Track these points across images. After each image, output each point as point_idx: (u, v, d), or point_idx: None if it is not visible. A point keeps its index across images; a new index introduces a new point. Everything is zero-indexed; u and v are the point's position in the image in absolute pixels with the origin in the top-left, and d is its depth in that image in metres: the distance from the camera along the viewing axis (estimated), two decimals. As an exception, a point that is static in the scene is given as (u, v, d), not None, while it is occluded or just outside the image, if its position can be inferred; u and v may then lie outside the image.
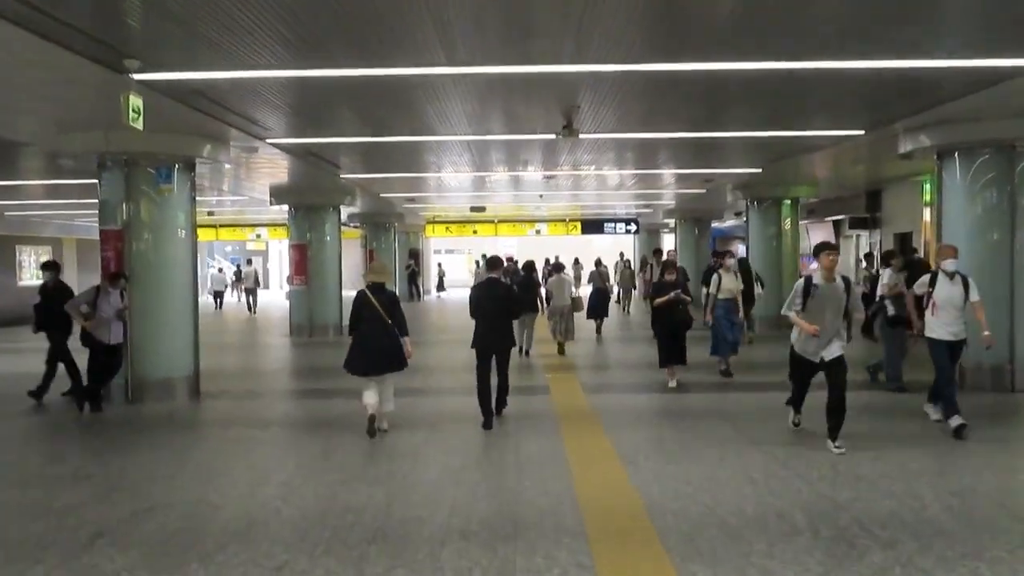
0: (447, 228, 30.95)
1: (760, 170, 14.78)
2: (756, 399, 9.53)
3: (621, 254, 25.67)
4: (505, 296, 8.37)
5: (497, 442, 7.70)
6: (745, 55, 6.80)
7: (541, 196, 19.96)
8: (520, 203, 23.31)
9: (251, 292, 27.79)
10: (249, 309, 27.35)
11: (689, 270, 22.27)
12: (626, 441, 7.52)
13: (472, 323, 8.45)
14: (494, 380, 8.45)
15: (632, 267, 26.76)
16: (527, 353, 13.64)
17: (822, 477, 6.23)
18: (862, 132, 10.55)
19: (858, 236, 22.18)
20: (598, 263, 22.64)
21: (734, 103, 9.28)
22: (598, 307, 17.21)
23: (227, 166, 10.45)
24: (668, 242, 38.05)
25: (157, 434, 8.47)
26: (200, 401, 10.20)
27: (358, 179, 15.56)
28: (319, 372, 12.84)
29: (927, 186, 17.12)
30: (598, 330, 17.29)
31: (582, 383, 10.94)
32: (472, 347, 8.36)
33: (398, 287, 32.30)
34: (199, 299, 10.96)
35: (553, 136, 9.88)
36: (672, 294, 10.28)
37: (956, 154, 10.17)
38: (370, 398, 7.77)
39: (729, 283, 11.60)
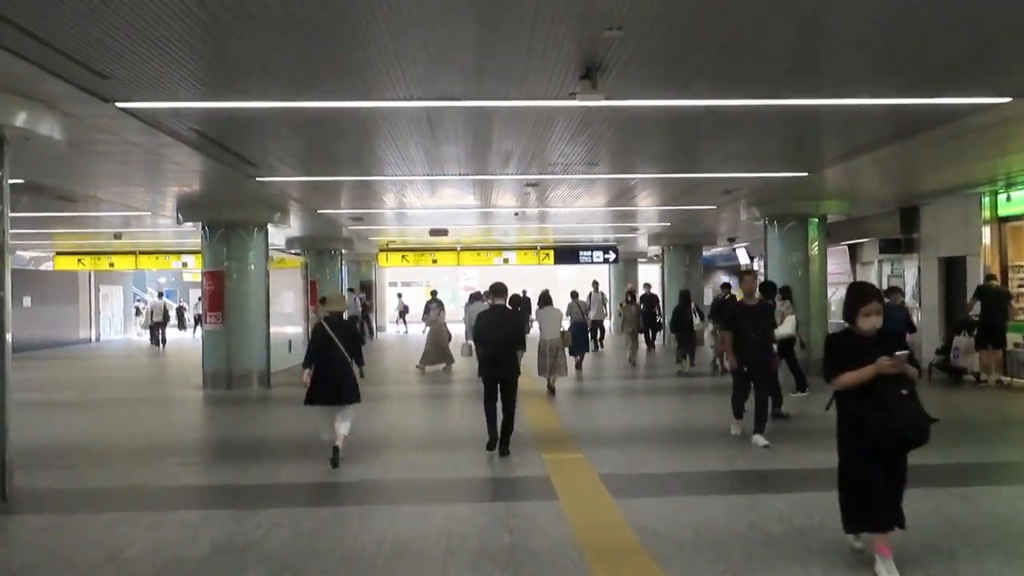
0: (403, 257, 27.33)
1: (806, 174, 11.56)
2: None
3: (595, 283, 22.27)
4: (512, 324, 8.32)
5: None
6: None
7: (516, 215, 16.56)
8: (488, 224, 19.87)
9: (157, 328, 26.42)
10: (157, 344, 26.53)
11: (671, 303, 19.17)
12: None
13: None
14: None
15: (606, 299, 23.28)
16: None
17: None
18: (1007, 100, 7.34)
19: (881, 263, 19.16)
20: (574, 295, 19.53)
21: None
22: (580, 342, 16.08)
23: (56, 139, 6.81)
24: (645, 274, 35.10)
25: None
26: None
27: (279, 182, 11.91)
28: (235, 451, 9.16)
29: (986, 200, 14.14)
30: (578, 366, 15.83)
31: (599, 472, 7.42)
32: (479, 375, 8.49)
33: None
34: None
35: (568, 102, 6.71)
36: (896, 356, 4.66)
37: None
38: (328, 431, 7.78)
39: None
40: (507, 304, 8.71)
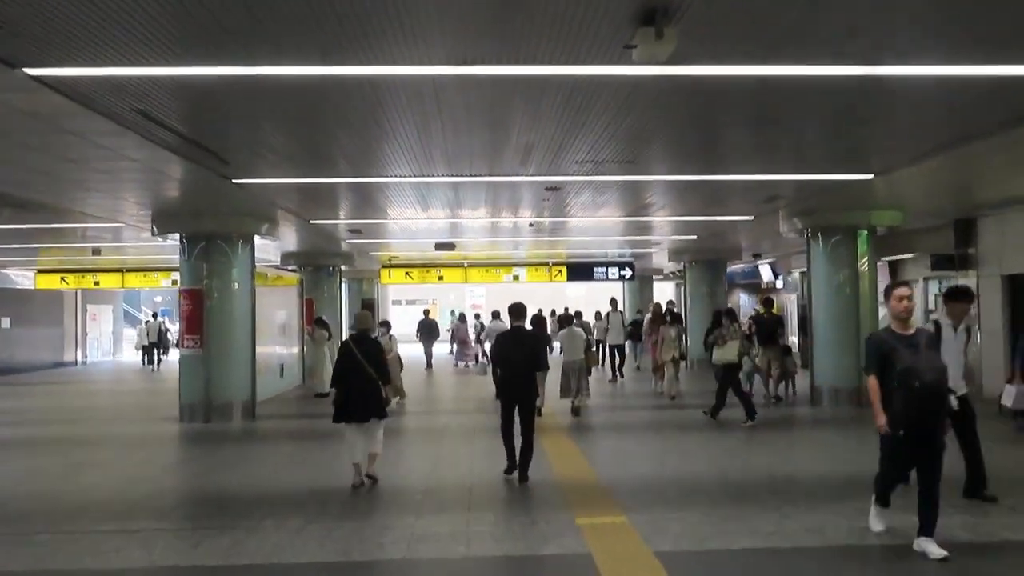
0: (406, 274, 25.72)
1: (871, 176, 9.93)
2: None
3: (613, 301, 20.15)
4: (531, 345, 8.18)
5: None
6: None
7: (532, 226, 14.93)
8: (497, 238, 18.23)
9: (150, 349, 25.84)
10: (151, 364, 25.87)
11: (699, 324, 17.50)
12: None
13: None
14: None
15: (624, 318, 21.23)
16: (539, 412, 10.92)
17: None
18: None
19: (928, 280, 17.49)
20: (578, 315, 18.02)
21: None
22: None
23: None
24: (660, 292, 33.42)
25: None
26: None
27: (260, 185, 10.28)
28: (200, 509, 7.50)
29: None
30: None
31: (654, 549, 5.74)
32: (496, 397, 8.76)
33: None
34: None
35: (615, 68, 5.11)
36: None
37: None
38: (359, 451, 7.80)
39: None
40: (526, 325, 8.61)
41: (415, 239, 17.61)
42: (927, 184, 11.36)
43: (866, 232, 13.51)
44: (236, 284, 13.11)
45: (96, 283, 25.73)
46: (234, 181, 9.51)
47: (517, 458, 8.01)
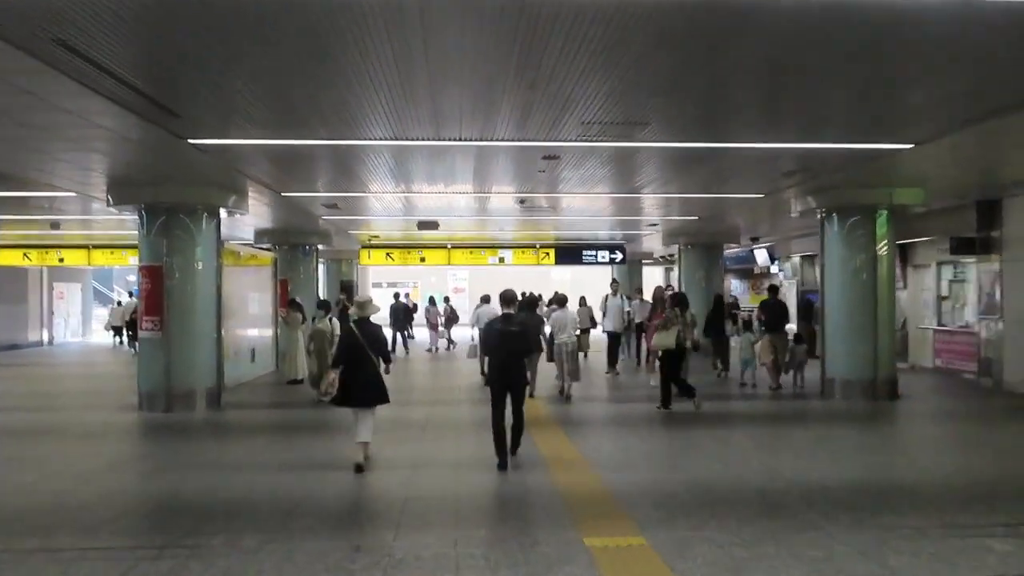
0: (387, 255, 24.57)
1: (912, 146, 8.90)
2: None
3: (615, 283, 18.72)
4: (520, 331, 8.04)
5: None
6: None
7: (523, 202, 13.82)
8: (484, 217, 17.10)
9: (122, 330, 24.29)
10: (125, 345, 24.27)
11: (701, 308, 16.50)
12: None
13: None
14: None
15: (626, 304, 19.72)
16: (531, 394, 11.75)
17: None
18: None
19: (941, 266, 16.58)
20: (582, 302, 17.00)
21: None
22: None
23: None
24: (651, 277, 32.43)
25: None
26: None
27: (219, 147, 9.05)
28: (160, 524, 6.39)
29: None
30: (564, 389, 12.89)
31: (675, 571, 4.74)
32: (486, 384, 8.54)
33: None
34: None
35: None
36: None
37: None
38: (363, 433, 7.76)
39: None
40: (516, 311, 8.58)
41: (396, 216, 16.47)
42: (955, 159, 10.39)
43: (886, 212, 12.51)
44: (200, 262, 11.93)
45: (61, 260, 24.38)
46: (190, 141, 8.33)
47: (508, 453, 7.78)
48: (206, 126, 7.92)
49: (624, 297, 18.14)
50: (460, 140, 8.55)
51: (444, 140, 8.55)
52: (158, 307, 11.68)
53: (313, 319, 13.89)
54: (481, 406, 9.62)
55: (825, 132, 8.51)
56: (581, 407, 11.85)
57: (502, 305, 8.31)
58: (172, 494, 7.07)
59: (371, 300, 8.32)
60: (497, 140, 8.57)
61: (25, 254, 24.05)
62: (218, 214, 12.23)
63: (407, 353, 21.64)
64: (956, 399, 12.91)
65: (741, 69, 6.32)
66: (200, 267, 11.93)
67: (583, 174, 10.95)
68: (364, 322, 8.00)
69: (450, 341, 24.03)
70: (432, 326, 23.49)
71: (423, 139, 8.52)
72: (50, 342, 27.89)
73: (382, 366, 7.89)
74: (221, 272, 12.39)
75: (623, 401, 13.05)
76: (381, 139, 8.50)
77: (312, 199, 13.83)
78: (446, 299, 25.56)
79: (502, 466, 7.63)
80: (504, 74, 6.18)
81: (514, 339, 7.90)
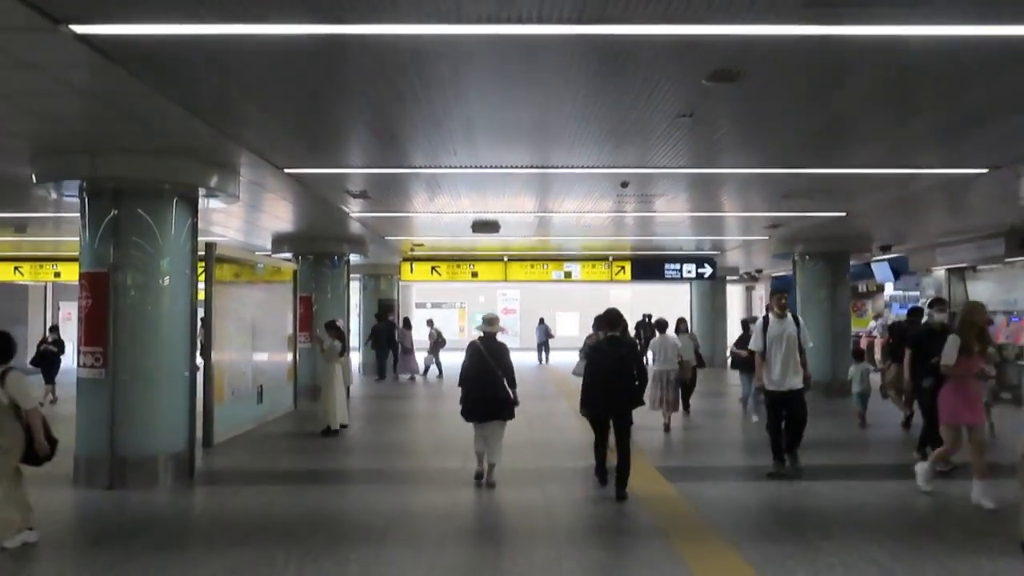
0: (433, 269, 20.78)
1: None
2: None
3: (681, 322, 13.84)
4: (630, 356, 7.60)
5: None
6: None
7: (624, 185, 9.79)
8: (546, 214, 13.12)
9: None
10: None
11: (823, 334, 12.22)
12: None
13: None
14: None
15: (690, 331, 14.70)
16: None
17: None
18: None
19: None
20: (682, 326, 13.27)
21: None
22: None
23: None
24: (733, 298, 28.22)
25: None
26: None
27: (112, 38, 5.31)
28: None
29: None
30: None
31: None
32: (582, 413, 7.73)
33: (363, 357, 21.85)
34: None
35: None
36: None
37: None
38: (478, 445, 7.96)
39: None
40: (620, 334, 7.88)
41: (444, 213, 12.64)
42: None
43: None
44: (165, 270, 8.23)
45: (57, 274, 21.17)
46: (72, 28, 4.55)
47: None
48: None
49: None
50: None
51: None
52: (101, 334, 7.97)
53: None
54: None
55: None
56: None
57: (604, 327, 7.91)
58: None
59: (498, 318, 8.32)
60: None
61: (16, 268, 20.89)
62: (195, 200, 8.52)
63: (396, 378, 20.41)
64: None
65: None
66: (166, 277, 8.21)
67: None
68: (489, 339, 8.03)
69: (438, 366, 20.89)
70: (405, 351, 20.62)
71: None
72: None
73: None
74: (196, 285, 8.64)
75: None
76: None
77: (329, 179, 9.95)
78: (429, 322, 21.95)
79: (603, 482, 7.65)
80: None
81: (620, 363, 7.43)
